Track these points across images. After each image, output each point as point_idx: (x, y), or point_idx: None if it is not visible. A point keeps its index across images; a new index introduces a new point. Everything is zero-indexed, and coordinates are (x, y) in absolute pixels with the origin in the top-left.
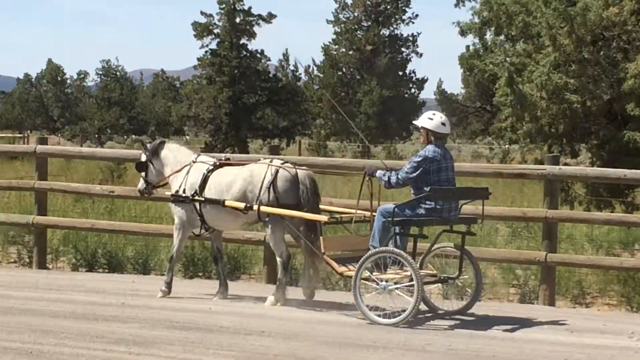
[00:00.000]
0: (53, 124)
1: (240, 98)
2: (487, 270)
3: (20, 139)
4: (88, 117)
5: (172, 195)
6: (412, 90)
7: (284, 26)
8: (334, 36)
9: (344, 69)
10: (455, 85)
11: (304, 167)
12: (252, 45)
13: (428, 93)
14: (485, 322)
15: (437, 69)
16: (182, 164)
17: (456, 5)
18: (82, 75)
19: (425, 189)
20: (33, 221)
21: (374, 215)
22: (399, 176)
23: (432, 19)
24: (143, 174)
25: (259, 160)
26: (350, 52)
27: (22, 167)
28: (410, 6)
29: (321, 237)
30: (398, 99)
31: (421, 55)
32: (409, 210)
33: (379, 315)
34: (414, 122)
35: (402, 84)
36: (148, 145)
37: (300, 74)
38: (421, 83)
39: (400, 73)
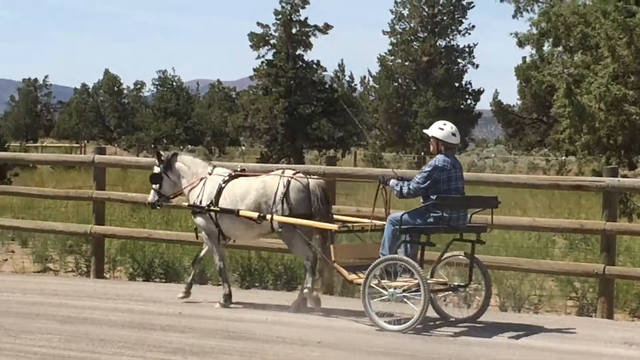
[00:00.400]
0: (110, 134)
1: (296, 109)
2: (544, 282)
3: (77, 149)
4: (144, 127)
5: (189, 205)
6: (468, 101)
7: (340, 37)
8: (390, 47)
9: (399, 80)
10: (511, 97)
11: (315, 177)
12: (308, 55)
13: (484, 104)
14: (542, 334)
15: (493, 80)
16: (198, 175)
17: (514, 16)
18: (139, 86)
19: (432, 197)
20: (91, 230)
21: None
22: (411, 186)
23: (488, 30)
24: (156, 185)
25: (273, 171)
26: (407, 63)
27: (80, 177)
28: (466, 17)
29: (331, 246)
30: (454, 110)
31: (477, 66)
32: (419, 218)
33: (388, 322)
34: (424, 131)
35: (458, 95)
36: (162, 157)
37: (355, 84)
38: (477, 94)
39: (457, 84)
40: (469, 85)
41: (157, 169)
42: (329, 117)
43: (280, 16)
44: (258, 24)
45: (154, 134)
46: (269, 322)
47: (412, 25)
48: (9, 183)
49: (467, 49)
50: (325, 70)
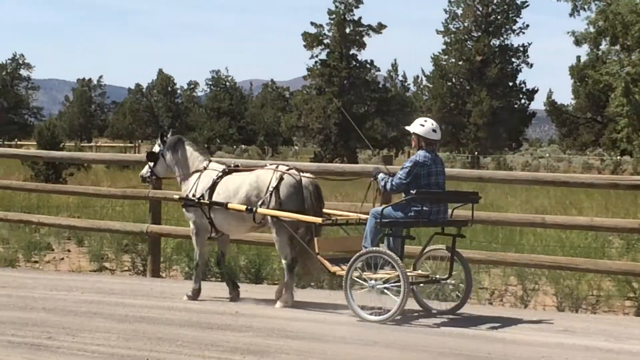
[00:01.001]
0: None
1: (350, 108)
2: (601, 282)
3: (131, 149)
4: (198, 126)
5: (180, 198)
6: (522, 101)
7: (393, 36)
8: (444, 46)
9: (453, 80)
10: (565, 96)
11: (308, 174)
12: (362, 55)
13: (538, 104)
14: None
15: (547, 79)
16: (192, 168)
17: (571, 14)
18: (192, 86)
19: (412, 192)
20: (147, 230)
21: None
22: (394, 182)
23: (542, 29)
24: (151, 163)
25: (266, 166)
26: (460, 63)
27: (134, 176)
28: (520, 16)
29: (315, 238)
30: (508, 109)
31: (531, 65)
32: (400, 212)
33: (370, 314)
34: (407, 127)
35: (512, 95)
36: (166, 139)
37: (408, 84)
38: (531, 94)
39: (510, 84)
40: (522, 85)
41: (157, 148)
42: (382, 116)
43: (334, 16)
44: (312, 23)
45: (207, 134)
46: (327, 321)
47: (466, 24)
48: (64, 182)
49: (521, 48)
50: (378, 69)
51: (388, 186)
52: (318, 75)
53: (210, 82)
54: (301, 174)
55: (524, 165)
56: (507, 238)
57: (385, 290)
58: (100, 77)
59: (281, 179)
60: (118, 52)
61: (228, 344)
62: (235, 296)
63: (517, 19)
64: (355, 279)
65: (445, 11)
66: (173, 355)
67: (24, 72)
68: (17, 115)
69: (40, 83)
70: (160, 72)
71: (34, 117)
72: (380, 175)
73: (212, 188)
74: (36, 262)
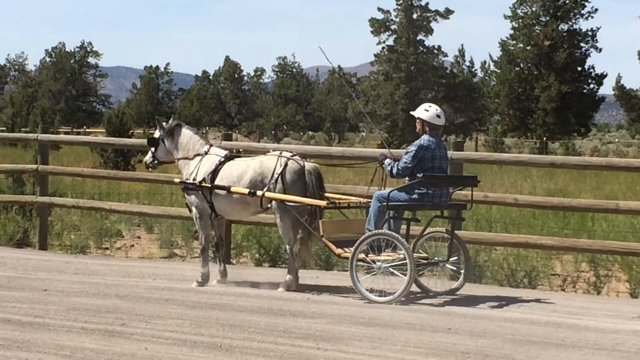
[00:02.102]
0: (230, 120)
1: (417, 94)
2: None
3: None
4: (264, 113)
5: (180, 182)
6: (591, 85)
7: (461, 21)
8: (512, 31)
9: (521, 65)
10: (634, 81)
11: (311, 161)
12: (429, 41)
13: (607, 89)
14: None
15: (616, 64)
16: (193, 152)
17: None
18: (259, 72)
19: (418, 175)
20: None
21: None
22: (399, 166)
23: (611, 13)
24: (153, 149)
25: (269, 151)
26: (528, 48)
27: None
28: (589, 0)
29: (320, 221)
30: (576, 94)
31: (600, 50)
32: (404, 195)
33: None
34: (412, 112)
35: (580, 80)
36: (164, 125)
37: (475, 70)
38: (600, 79)
39: (579, 68)
40: (591, 70)
41: (157, 134)
42: (449, 102)
43: (401, 1)
44: (379, 9)
45: (273, 121)
46: (398, 308)
47: (533, 9)
48: (133, 170)
49: (589, 33)
50: (446, 55)
51: (394, 171)
52: (385, 61)
53: (276, 69)
54: (304, 160)
55: (592, 151)
56: (579, 224)
57: (394, 271)
58: (167, 64)
59: (285, 165)
60: (185, 39)
61: (300, 331)
62: (222, 280)
63: (586, 3)
64: (361, 260)
65: None
66: (246, 342)
67: (91, 60)
68: (85, 102)
69: (108, 71)
70: (227, 59)
71: (101, 105)
72: (387, 161)
73: (214, 173)
74: (107, 249)
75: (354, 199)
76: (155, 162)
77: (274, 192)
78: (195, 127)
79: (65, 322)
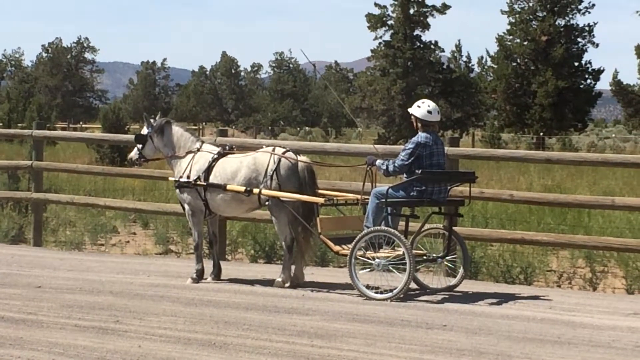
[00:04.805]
0: (227, 115)
1: (414, 90)
2: None
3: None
4: (261, 109)
5: (175, 180)
6: (588, 81)
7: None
8: (509, 27)
9: (518, 60)
10: (631, 76)
11: (304, 158)
12: (426, 36)
13: (604, 84)
14: None
15: (613, 59)
16: (184, 149)
17: None
18: (256, 68)
19: (417, 172)
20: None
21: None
22: (396, 164)
23: (607, 8)
24: (140, 145)
25: (262, 147)
26: (525, 43)
27: None
28: None
29: (318, 218)
30: (573, 90)
31: (597, 45)
32: (402, 192)
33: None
34: (409, 109)
35: (577, 75)
36: (152, 122)
37: (472, 65)
38: (597, 74)
39: (576, 64)
40: (588, 65)
41: (145, 131)
42: (446, 97)
43: None
44: (375, 4)
45: (270, 116)
46: (393, 304)
47: (530, 4)
48: (129, 165)
49: (586, 28)
50: (442, 50)
51: (391, 169)
52: (382, 57)
53: (273, 64)
54: (297, 157)
55: (589, 146)
56: (576, 220)
57: (391, 268)
58: (164, 59)
59: (279, 161)
60: (181, 34)
61: (295, 328)
62: (216, 277)
63: None
64: (360, 257)
65: None
66: (240, 340)
67: (88, 56)
68: (82, 98)
69: (105, 66)
70: (224, 54)
71: (98, 100)
72: (379, 161)
73: (208, 170)
74: (102, 245)
75: (351, 196)
76: (142, 159)
77: (270, 189)
78: (192, 123)
79: (58, 319)
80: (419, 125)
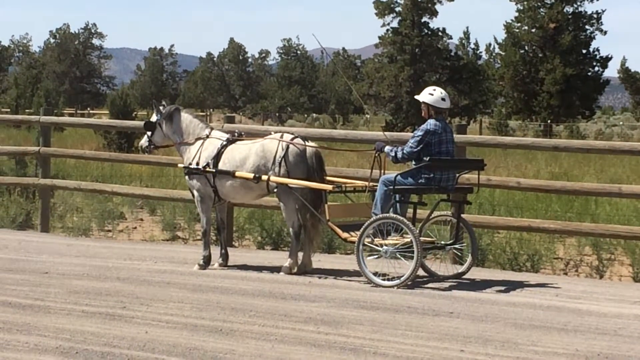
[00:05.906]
0: (234, 102)
1: (422, 76)
2: None
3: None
4: (269, 95)
5: (184, 167)
6: (596, 68)
7: (466, 4)
8: (517, 14)
9: (526, 47)
10: (639, 63)
11: (312, 144)
12: (434, 23)
13: (611, 71)
14: None
15: (621, 46)
16: (193, 135)
17: None
18: (264, 54)
19: (425, 159)
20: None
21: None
22: (405, 151)
23: None
24: (149, 132)
25: (270, 134)
26: (533, 30)
27: None
28: None
29: (326, 205)
30: (581, 77)
31: (605, 32)
32: (411, 179)
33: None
34: (416, 97)
35: (585, 62)
36: (162, 109)
37: (480, 52)
38: (605, 61)
39: (584, 51)
40: (596, 52)
41: (154, 118)
42: (454, 84)
43: None
44: None
45: (278, 102)
46: (400, 291)
47: None
48: (136, 152)
49: (594, 15)
50: (450, 37)
51: (399, 155)
52: (389, 44)
53: (281, 51)
54: (305, 143)
55: (597, 134)
56: (583, 207)
57: (399, 255)
58: (172, 46)
59: (287, 148)
60: (189, 20)
61: (302, 315)
62: (224, 263)
63: None
64: (367, 244)
65: None
66: (246, 326)
67: (96, 42)
68: (89, 84)
69: (112, 52)
70: (232, 40)
71: (106, 86)
72: (387, 148)
73: (217, 157)
74: (109, 231)
75: (359, 182)
76: (152, 146)
77: (278, 175)
78: (199, 109)
79: (65, 305)
80: (432, 112)
